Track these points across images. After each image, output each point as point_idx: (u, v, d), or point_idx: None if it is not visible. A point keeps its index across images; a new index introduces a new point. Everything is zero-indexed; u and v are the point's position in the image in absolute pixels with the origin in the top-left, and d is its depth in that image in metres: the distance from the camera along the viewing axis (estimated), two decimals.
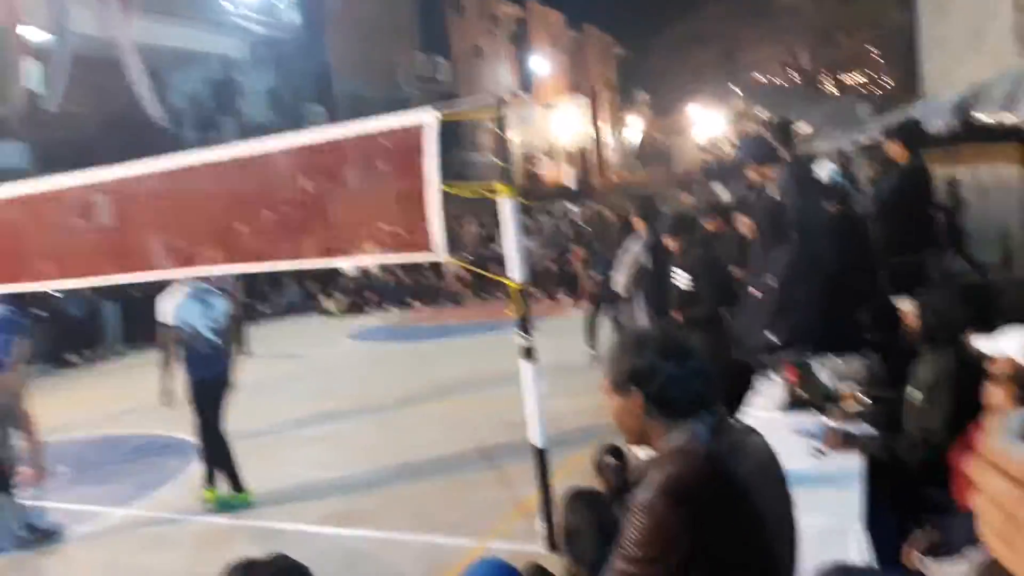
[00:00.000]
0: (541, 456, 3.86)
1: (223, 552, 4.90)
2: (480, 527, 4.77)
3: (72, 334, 12.45)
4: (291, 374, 10.49)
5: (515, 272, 3.94)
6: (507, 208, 3.95)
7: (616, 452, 3.16)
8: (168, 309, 5.78)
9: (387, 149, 5.92)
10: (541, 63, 37.71)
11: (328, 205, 6.61)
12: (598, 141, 40.96)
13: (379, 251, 14.24)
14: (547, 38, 39.18)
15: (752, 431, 2.11)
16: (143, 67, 17.39)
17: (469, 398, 8.19)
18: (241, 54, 20.87)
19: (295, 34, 22.85)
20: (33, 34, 15.67)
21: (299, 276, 16.06)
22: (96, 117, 16.61)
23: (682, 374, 1.92)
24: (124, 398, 9.91)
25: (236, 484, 5.63)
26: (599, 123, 41.29)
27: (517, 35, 36.65)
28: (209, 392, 5.59)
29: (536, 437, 3.87)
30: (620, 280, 6.42)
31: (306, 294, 16.90)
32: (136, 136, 16.36)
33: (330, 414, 8.17)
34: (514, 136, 28.72)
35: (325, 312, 16.06)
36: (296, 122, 21.21)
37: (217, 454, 5.61)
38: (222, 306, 5.83)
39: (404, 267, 16.24)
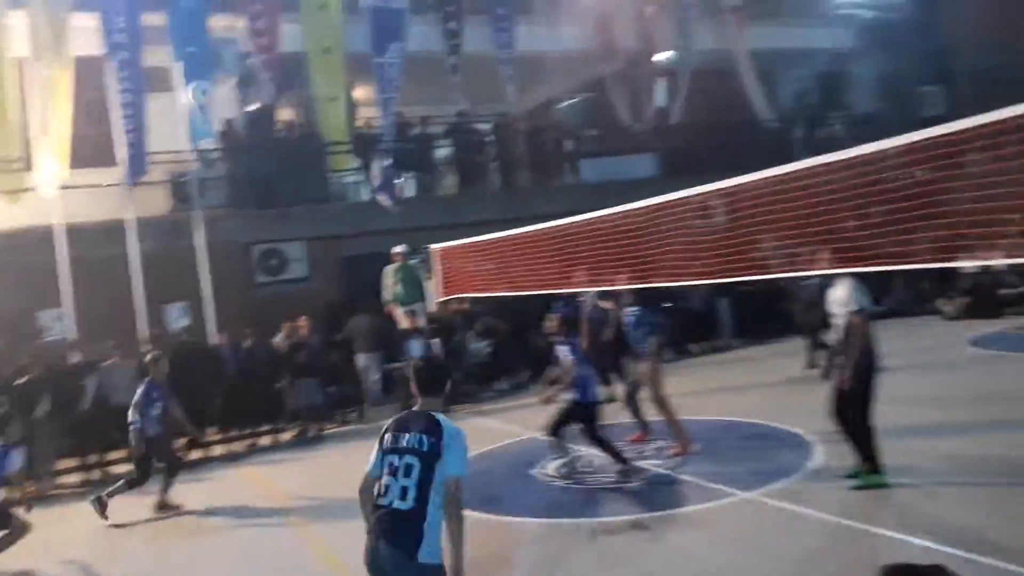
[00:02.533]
0: None
1: (838, 553, 4.95)
2: None
3: (691, 326, 13.73)
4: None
5: None
6: None
7: None
8: (841, 297, 6.19)
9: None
10: None
11: (946, 201, 6.10)
12: None
13: (1009, 251, 12.43)
14: None
15: None
16: (754, 72, 18.31)
17: None
18: (848, 44, 20.38)
19: (907, 13, 21.37)
20: (659, 56, 17.83)
21: (911, 276, 15.03)
22: (711, 124, 18.07)
23: None
24: (737, 387, 10.63)
25: (874, 466, 5.95)
26: None
27: None
28: (871, 376, 6.00)
29: None
30: None
31: (917, 295, 15.75)
32: (747, 138, 17.36)
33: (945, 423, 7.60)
34: None
35: (941, 315, 14.74)
36: (909, 108, 19.88)
37: (864, 436, 6.00)
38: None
39: None
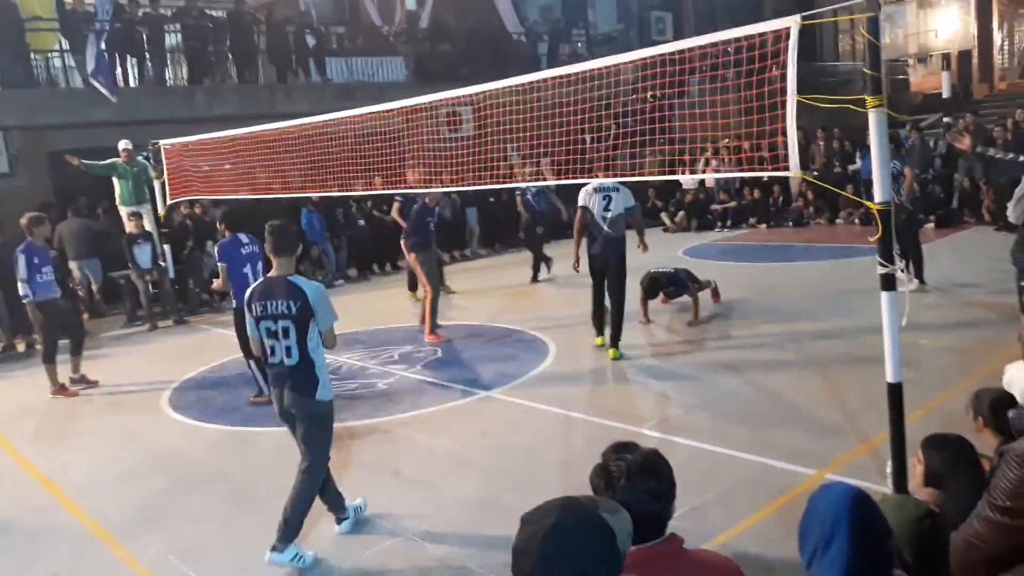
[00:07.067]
0: (896, 392, 3.58)
1: (565, 439, 5.31)
2: (820, 458, 4.58)
3: (445, 235, 13.79)
4: None
5: (878, 192, 3.60)
6: (875, 122, 3.59)
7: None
8: (580, 196, 7.25)
9: (738, 59, 5.66)
10: None
11: (672, 118, 6.57)
12: (983, 42, 35.17)
13: (723, 166, 13.78)
14: None
15: None
16: None
17: (810, 325, 7.81)
18: None
19: None
20: None
21: (641, 189, 16.28)
22: (462, 31, 17.95)
23: None
24: (483, 292, 10.93)
25: (615, 344, 7.13)
26: (986, 20, 35.33)
27: None
28: (597, 265, 7.13)
29: (891, 372, 3.59)
30: (1014, 209, 5.51)
31: (646, 207, 17.10)
32: (496, 49, 17.47)
33: None
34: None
35: (663, 227, 16.17)
36: (643, 31, 21.10)
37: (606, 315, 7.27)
38: (620, 200, 7.14)
39: (746, 183, 15.74)
